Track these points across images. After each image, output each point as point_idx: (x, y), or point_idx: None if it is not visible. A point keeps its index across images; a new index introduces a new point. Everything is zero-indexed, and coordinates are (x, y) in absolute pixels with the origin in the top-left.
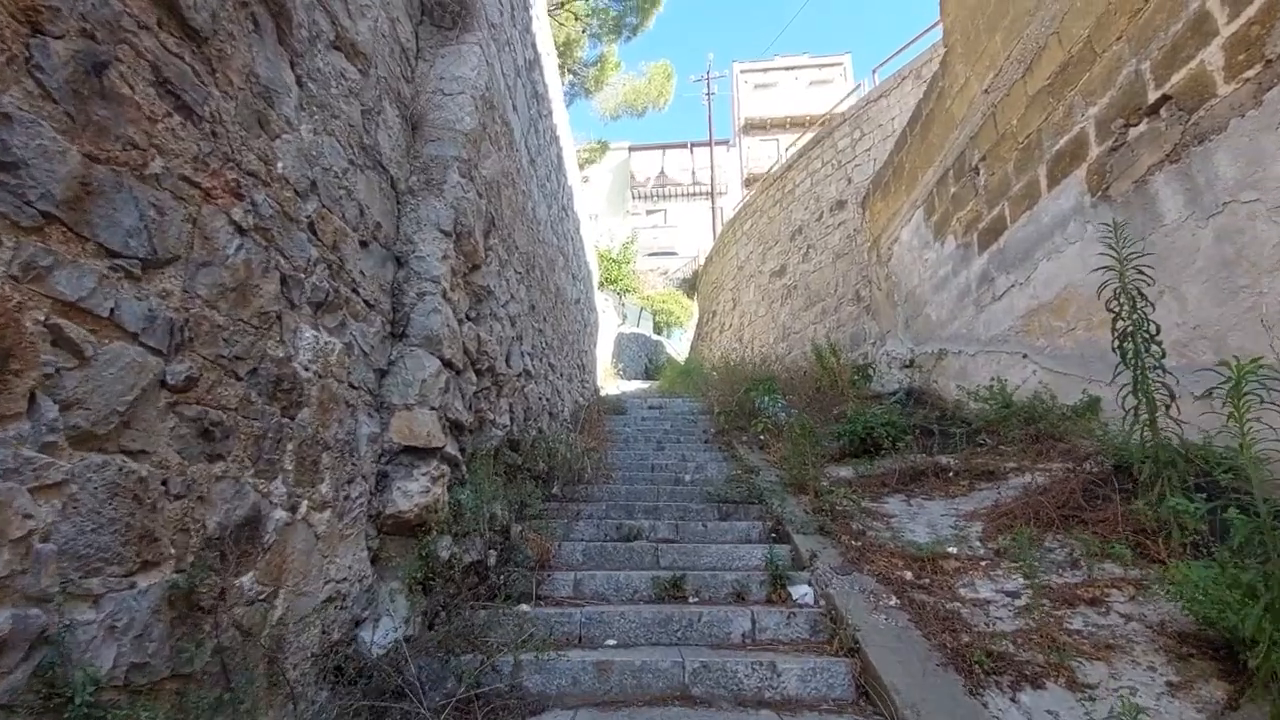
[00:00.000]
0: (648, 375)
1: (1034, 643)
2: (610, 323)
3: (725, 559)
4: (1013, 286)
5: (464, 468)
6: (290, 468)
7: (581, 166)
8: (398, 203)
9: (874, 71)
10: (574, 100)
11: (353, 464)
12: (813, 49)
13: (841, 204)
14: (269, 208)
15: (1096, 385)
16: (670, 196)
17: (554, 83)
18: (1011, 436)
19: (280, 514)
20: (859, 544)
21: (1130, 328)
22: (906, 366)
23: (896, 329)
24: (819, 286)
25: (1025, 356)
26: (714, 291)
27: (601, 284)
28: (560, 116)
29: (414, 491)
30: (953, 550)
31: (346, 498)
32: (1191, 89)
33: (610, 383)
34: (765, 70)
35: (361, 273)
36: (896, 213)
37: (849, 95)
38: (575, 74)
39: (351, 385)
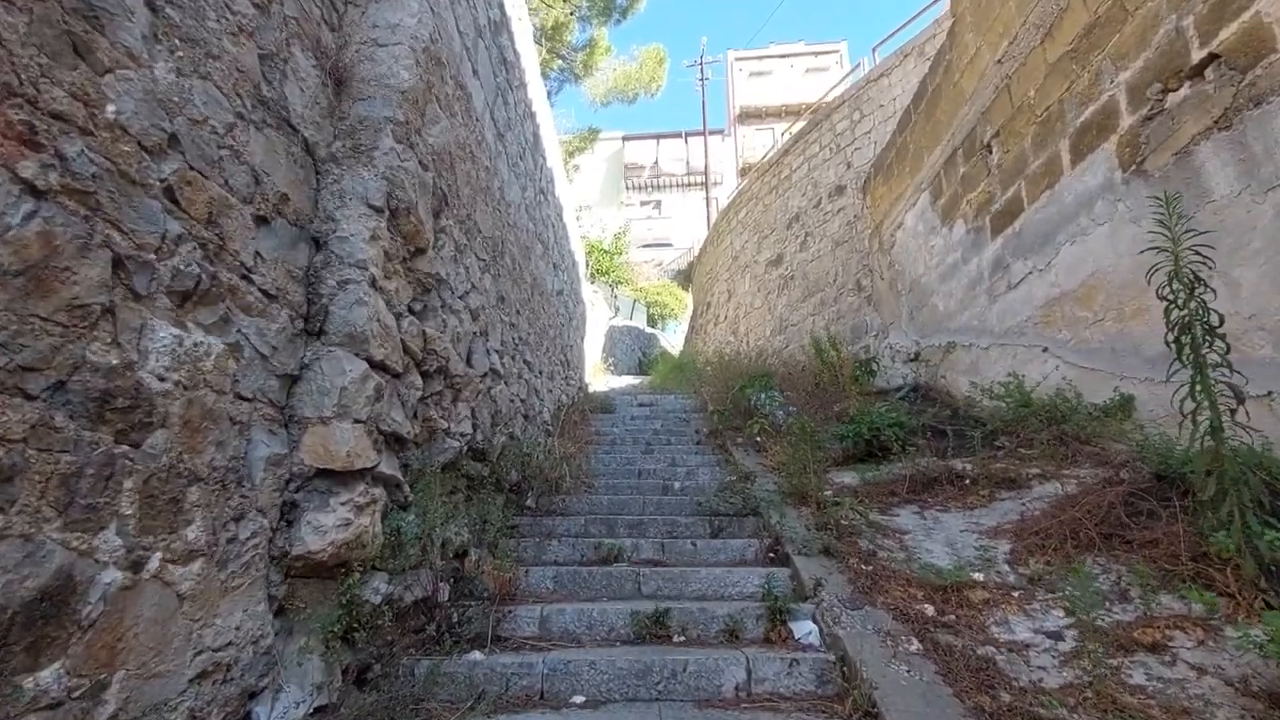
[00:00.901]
0: (641, 369)
1: (1089, 704)
2: (601, 315)
3: (717, 585)
4: (1031, 273)
5: (406, 488)
6: (130, 511)
7: (571, 154)
8: (316, 172)
9: (874, 50)
10: (563, 86)
11: (241, 496)
12: (808, 34)
13: (841, 189)
14: (92, 164)
15: (1129, 382)
16: (665, 187)
17: (528, 51)
18: (1032, 438)
19: (112, 575)
20: (870, 568)
21: (1187, 318)
22: (911, 360)
23: (900, 320)
24: (817, 276)
25: (1046, 350)
26: (708, 283)
27: (593, 275)
28: (536, 90)
29: (329, 525)
30: (979, 577)
31: (232, 540)
32: (1245, 45)
33: (600, 378)
34: (760, 58)
35: (258, 255)
36: (900, 197)
37: (845, 79)
38: (564, 58)
39: (240, 396)
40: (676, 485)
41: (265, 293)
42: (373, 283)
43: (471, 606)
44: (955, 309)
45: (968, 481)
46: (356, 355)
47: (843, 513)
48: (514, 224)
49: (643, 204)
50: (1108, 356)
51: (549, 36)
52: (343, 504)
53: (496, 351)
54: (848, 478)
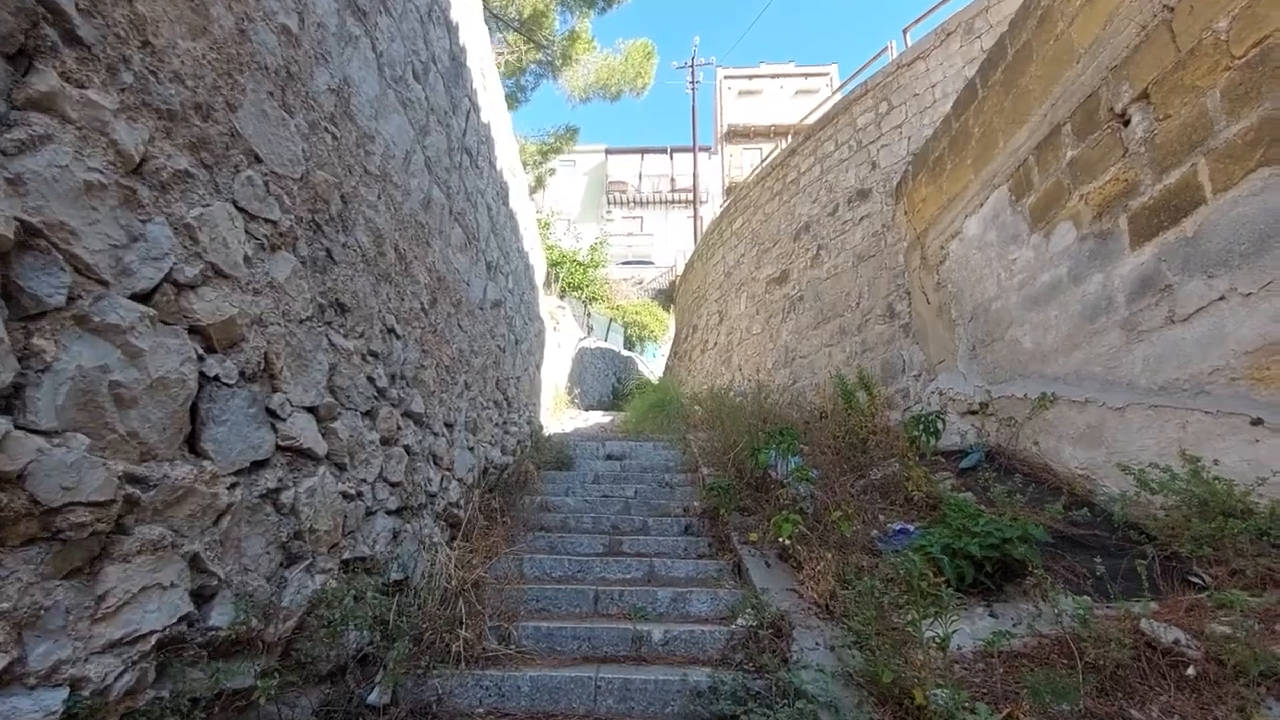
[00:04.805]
0: (615, 399)
1: None
2: (570, 336)
3: None
4: (1222, 299)
5: None
6: None
7: (545, 155)
8: None
9: (904, 31)
10: (540, 81)
11: None
12: (797, 57)
13: (864, 194)
14: None
15: None
16: (648, 203)
17: None
18: (1263, 575)
19: None
20: None
21: None
22: (972, 413)
23: (955, 358)
24: (834, 298)
25: (1259, 423)
26: (695, 303)
27: (563, 290)
28: (467, 8)
29: None
30: None
31: None
32: None
33: (563, 414)
34: (750, 77)
35: None
36: (956, 197)
37: (869, 65)
38: (543, 48)
39: None
40: (656, 637)
41: None
42: None
43: None
44: (1056, 346)
45: (1190, 671)
46: None
47: None
48: (387, 176)
49: (625, 219)
50: None
51: (527, 25)
52: None
53: (307, 409)
54: (957, 635)
